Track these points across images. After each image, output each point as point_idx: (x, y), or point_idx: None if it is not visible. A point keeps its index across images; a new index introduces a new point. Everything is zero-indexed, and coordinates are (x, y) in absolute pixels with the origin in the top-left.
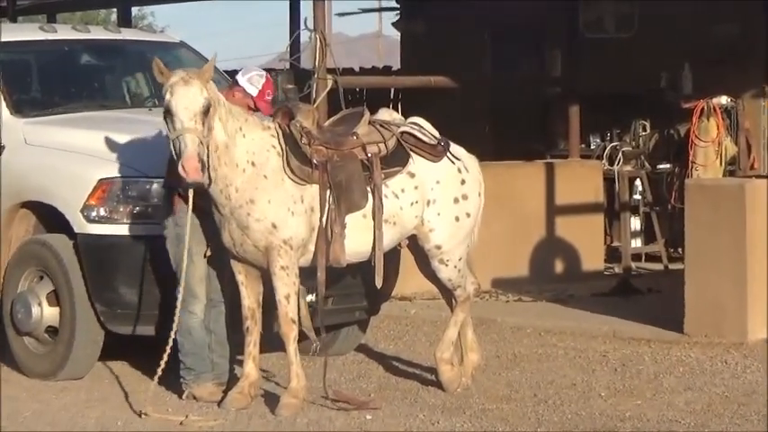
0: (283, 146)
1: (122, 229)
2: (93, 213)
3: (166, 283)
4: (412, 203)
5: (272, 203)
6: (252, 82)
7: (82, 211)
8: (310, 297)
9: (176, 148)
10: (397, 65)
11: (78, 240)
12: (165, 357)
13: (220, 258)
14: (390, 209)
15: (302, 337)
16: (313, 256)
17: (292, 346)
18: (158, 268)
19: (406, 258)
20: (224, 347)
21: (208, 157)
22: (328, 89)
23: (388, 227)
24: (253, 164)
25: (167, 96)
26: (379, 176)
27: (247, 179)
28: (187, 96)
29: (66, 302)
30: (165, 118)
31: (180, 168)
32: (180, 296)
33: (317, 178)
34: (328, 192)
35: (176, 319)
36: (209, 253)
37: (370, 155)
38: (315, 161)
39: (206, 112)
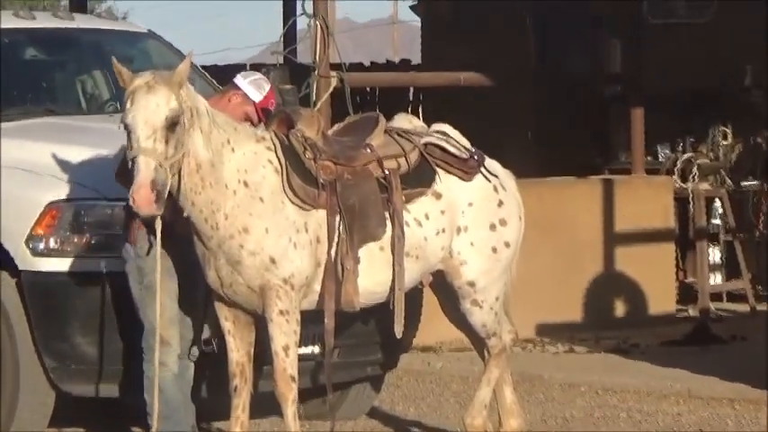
0: (282, 161)
1: (77, 264)
2: (41, 245)
3: (133, 331)
4: (438, 232)
5: (269, 233)
6: (255, 86)
7: (27, 242)
8: (307, 349)
9: (132, 173)
10: (416, 58)
11: (22, 278)
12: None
13: (192, 297)
14: (413, 239)
15: (303, 396)
16: (319, 298)
17: (291, 410)
18: (123, 312)
19: (430, 300)
20: (189, 409)
21: (179, 181)
22: (332, 89)
23: (409, 261)
24: (245, 184)
25: (127, 106)
26: (399, 199)
27: (239, 203)
28: (148, 107)
29: (8, 356)
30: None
31: (130, 198)
32: (146, 345)
33: (324, 201)
34: (338, 218)
35: (154, 373)
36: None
37: (387, 172)
38: (321, 180)
39: (171, 126)
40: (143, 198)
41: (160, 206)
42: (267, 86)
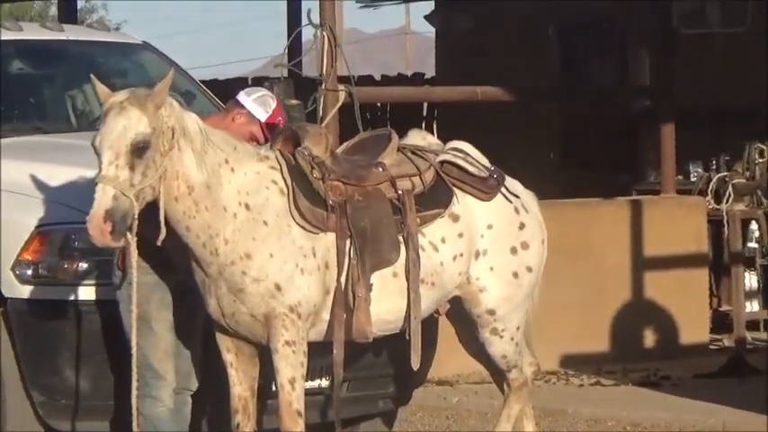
0: (288, 181)
1: (67, 293)
2: (29, 272)
3: (127, 364)
4: (455, 257)
5: (274, 258)
6: (260, 103)
7: (13, 268)
8: (315, 383)
9: None
10: (430, 71)
11: (8, 307)
12: None
13: (189, 327)
14: (428, 265)
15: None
16: (328, 328)
17: None
18: (115, 344)
19: (446, 329)
20: None
21: (158, 206)
22: (340, 104)
23: (424, 289)
24: (247, 206)
25: (100, 127)
26: (413, 221)
27: (240, 227)
28: (114, 131)
29: None
30: None
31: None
32: (134, 377)
33: (333, 224)
34: (348, 242)
35: (134, 409)
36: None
37: (401, 192)
38: (330, 201)
39: (138, 151)
40: (95, 229)
41: (118, 237)
42: (273, 104)
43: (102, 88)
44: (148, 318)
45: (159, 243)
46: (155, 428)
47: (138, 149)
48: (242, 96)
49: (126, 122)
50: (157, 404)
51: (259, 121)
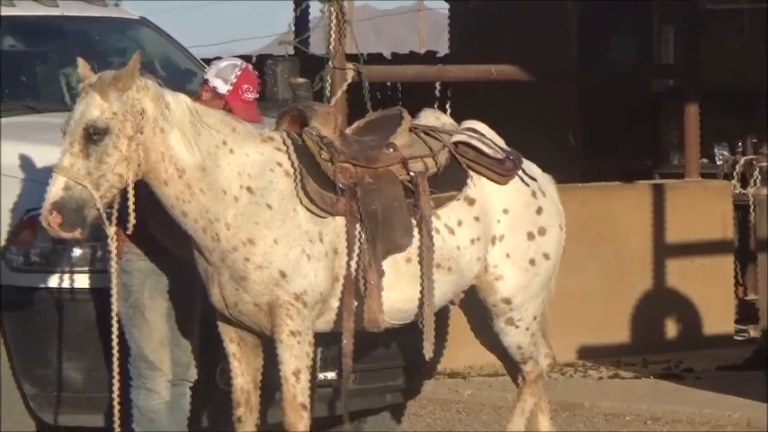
0: (295, 163)
1: (59, 280)
2: (20, 259)
3: (121, 355)
4: (472, 241)
5: (279, 243)
6: (221, 75)
7: (3, 255)
8: (323, 374)
9: None
10: (444, 49)
11: None
12: None
13: (187, 314)
14: (444, 249)
15: (315, 427)
16: (336, 317)
17: None
18: (110, 334)
19: (457, 319)
20: None
21: (157, 194)
22: (348, 83)
23: (440, 274)
24: (249, 189)
25: None
26: (427, 204)
27: (243, 211)
28: (74, 116)
29: None
30: None
31: None
32: (133, 370)
33: (342, 208)
34: (358, 226)
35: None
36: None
37: (413, 174)
38: (340, 184)
39: (92, 137)
40: (45, 221)
41: (69, 228)
42: (234, 73)
43: (83, 69)
44: (141, 307)
45: (129, 232)
46: (150, 421)
47: (92, 135)
48: (207, 71)
49: (84, 108)
50: (153, 396)
51: (222, 95)
